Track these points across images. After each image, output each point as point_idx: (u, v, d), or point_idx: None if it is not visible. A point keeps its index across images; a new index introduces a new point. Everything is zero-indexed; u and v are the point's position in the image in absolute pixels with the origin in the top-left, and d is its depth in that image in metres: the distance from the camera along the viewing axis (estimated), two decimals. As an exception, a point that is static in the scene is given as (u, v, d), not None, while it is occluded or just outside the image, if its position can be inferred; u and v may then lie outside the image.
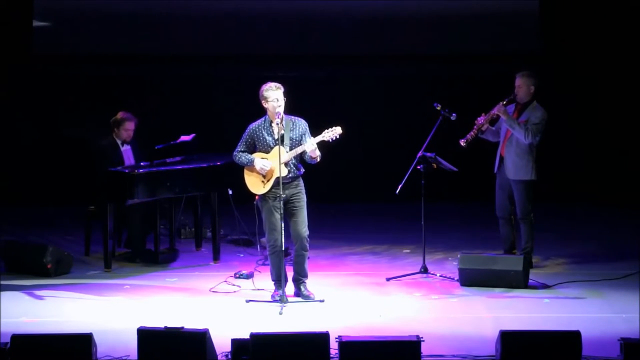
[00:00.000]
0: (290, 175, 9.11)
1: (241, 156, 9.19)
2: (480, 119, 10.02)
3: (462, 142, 9.94)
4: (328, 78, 14.20)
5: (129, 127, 10.92)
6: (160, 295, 9.50)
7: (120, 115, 10.97)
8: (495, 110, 9.96)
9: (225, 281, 9.89)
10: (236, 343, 7.32)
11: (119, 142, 10.96)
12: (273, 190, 9.09)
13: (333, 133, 9.05)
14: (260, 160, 9.10)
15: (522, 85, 10.03)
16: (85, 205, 11.14)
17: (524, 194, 10.00)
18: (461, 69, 14.03)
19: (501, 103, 9.96)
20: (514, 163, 10.00)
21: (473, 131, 9.99)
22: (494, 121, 10.13)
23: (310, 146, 8.99)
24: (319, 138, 9.05)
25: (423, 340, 7.20)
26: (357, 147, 13.51)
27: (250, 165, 9.15)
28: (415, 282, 9.82)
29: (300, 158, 9.19)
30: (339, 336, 7.28)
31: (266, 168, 9.07)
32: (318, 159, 9.09)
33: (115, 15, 13.88)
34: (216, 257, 10.81)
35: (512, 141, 10.02)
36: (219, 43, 14.03)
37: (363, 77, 14.24)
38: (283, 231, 9.01)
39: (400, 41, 14.00)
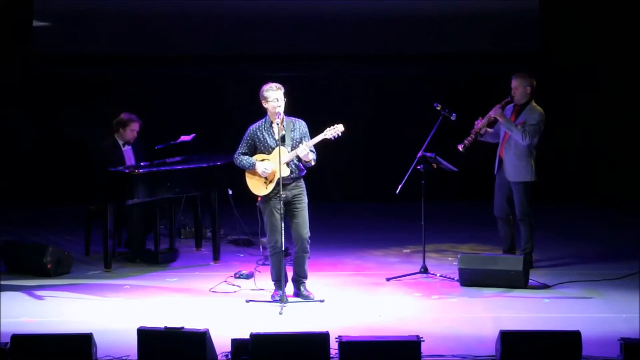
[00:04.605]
0: (292, 175, 9.11)
1: (242, 159, 9.18)
2: (478, 123, 10.00)
3: (460, 147, 9.93)
4: (328, 78, 14.20)
5: (135, 127, 10.93)
6: (160, 295, 9.50)
7: (125, 116, 10.96)
8: (492, 113, 9.95)
9: (225, 281, 9.89)
10: (236, 343, 7.32)
11: (120, 142, 10.97)
12: (275, 191, 9.08)
13: (335, 131, 9.05)
14: (261, 164, 9.08)
15: (519, 87, 10.02)
16: (85, 205, 11.14)
17: (523, 195, 10.00)
18: (461, 69, 14.03)
19: (498, 106, 9.96)
20: (514, 165, 10.00)
21: (471, 136, 9.97)
22: (492, 123, 10.12)
23: (303, 150, 8.98)
24: (321, 136, 9.04)
25: (423, 340, 7.20)
26: (357, 147, 13.51)
27: (252, 169, 9.14)
28: (415, 282, 9.82)
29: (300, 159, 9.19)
30: (339, 336, 7.28)
31: (267, 171, 9.06)
32: (312, 163, 9.08)
33: (115, 15, 13.88)
34: (216, 257, 10.82)
35: (511, 143, 10.01)
36: (219, 43, 14.03)
37: (363, 77, 14.25)
38: (283, 232, 9.01)
39: (400, 41, 13.99)
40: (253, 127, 9.20)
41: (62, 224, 12.59)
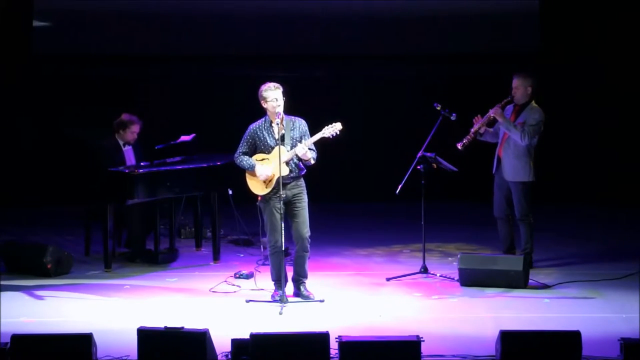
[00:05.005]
0: (292, 174, 9.11)
1: (242, 159, 9.17)
2: (477, 121, 10.00)
3: (459, 146, 9.94)
4: (328, 78, 14.20)
5: (135, 129, 10.93)
6: (160, 295, 9.50)
7: (125, 117, 10.95)
8: (491, 113, 9.96)
9: (225, 281, 9.89)
10: (236, 343, 7.32)
11: (121, 143, 10.96)
12: (274, 190, 9.08)
13: (333, 129, 9.05)
14: (260, 168, 9.07)
15: (520, 87, 10.02)
16: (85, 205, 11.14)
17: (522, 195, 10.00)
18: (461, 69, 14.03)
19: (498, 105, 9.96)
20: (512, 165, 10.00)
21: (470, 135, 9.98)
22: (492, 123, 10.12)
23: (301, 150, 8.97)
24: (319, 135, 9.04)
25: (423, 340, 7.20)
26: (357, 147, 13.51)
27: (252, 170, 9.14)
28: (415, 282, 9.82)
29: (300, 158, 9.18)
30: (339, 336, 7.27)
31: (267, 175, 9.04)
32: (312, 161, 9.08)
33: (115, 15, 13.89)
34: (216, 257, 10.81)
35: (510, 143, 10.02)
36: (219, 43, 14.03)
37: (363, 77, 14.25)
38: (283, 232, 9.01)
39: (400, 41, 14.00)
40: (253, 126, 9.20)
41: (62, 224, 12.59)
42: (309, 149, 9.04)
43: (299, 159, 9.15)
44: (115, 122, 10.99)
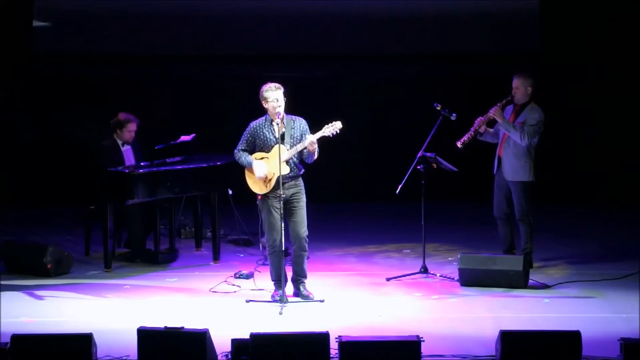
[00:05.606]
0: (291, 174, 9.11)
1: (242, 156, 9.18)
2: (477, 121, 10.00)
3: (459, 144, 9.93)
4: (328, 78, 14.20)
5: (132, 128, 10.93)
6: (160, 295, 9.50)
7: (122, 116, 10.96)
8: (491, 113, 9.95)
9: (225, 281, 9.89)
10: (236, 343, 7.32)
11: (119, 142, 10.96)
12: (274, 189, 9.08)
13: (333, 128, 9.05)
14: (257, 166, 9.06)
15: (520, 86, 10.01)
16: (85, 205, 11.14)
17: (522, 195, 9.99)
18: (461, 69, 14.03)
19: (498, 105, 9.95)
20: (512, 164, 10.00)
21: (470, 133, 9.97)
22: (492, 123, 10.12)
23: (309, 142, 8.96)
24: (320, 134, 9.05)
25: (423, 340, 7.21)
26: (357, 147, 13.51)
27: (249, 167, 9.14)
28: (415, 282, 9.82)
29: (300, 157, 9.18)
30: (339, 336, 7.28)
31: (262, 175, 9.04)
32: (316, 155, 9.09)
33: (115, 15, 13.89)
34: (216, 257, 10.81)
35: (510, 142, 10.01)
36: (219, 43, 14.03)
37: (363, 77, 14.24)
38: (283, 231, 9.01)
39: (400, 41, 14.00)
40: (253, 124, 9.20)
41: (62, 224, 12.59)
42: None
43: (299, 158, 9.15)
44: (113, 121, 10.99)
